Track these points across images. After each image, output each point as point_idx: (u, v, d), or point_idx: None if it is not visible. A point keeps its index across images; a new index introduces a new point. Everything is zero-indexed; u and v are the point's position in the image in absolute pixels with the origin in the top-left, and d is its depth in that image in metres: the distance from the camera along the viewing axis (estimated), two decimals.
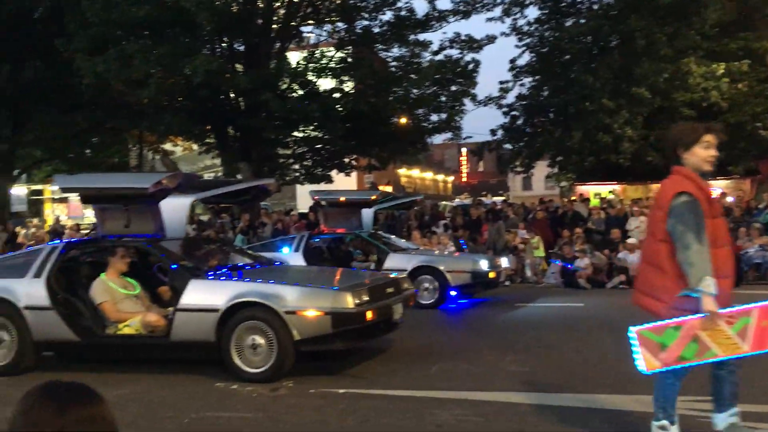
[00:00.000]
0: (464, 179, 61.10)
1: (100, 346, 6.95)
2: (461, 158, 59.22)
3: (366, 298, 6.33)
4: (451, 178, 67.60)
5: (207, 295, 6.45)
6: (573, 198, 20.00)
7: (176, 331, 6.44)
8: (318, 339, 6.20)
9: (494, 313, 10.48)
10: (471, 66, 19.75)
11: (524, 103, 23.08)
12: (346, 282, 6.97)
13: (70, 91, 19.52)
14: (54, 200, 27.61)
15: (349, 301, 6.16)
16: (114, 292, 6.87)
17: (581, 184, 22.48)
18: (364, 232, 12.01)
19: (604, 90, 19.98)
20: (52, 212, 27.23)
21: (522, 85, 23.27)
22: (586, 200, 18.26)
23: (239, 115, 18.62)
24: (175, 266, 6.85)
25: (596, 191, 21.36)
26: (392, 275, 8.27)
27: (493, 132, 23.69)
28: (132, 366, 6.93)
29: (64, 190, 7.24)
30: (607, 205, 16.78)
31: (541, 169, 28.26)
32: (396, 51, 20.67)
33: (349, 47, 20.09)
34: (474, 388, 5.73)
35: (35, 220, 25.90)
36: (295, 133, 19.90)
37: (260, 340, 6.17)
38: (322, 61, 18.95)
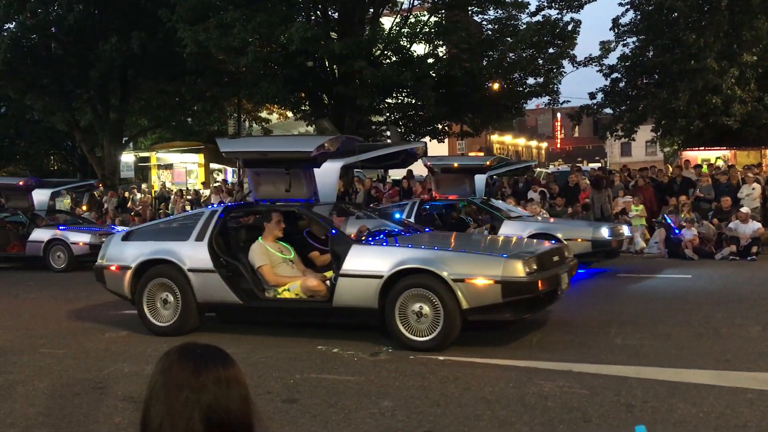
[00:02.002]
0: (558, 145, 59.44)
1: (261, 309, 6.98)
2: (556, 123, 57.56)
3: (535, 266, 6.06)
4: (544, 144, 65.83)
5: (370, 261, 6.36)
6: (677, 165, 19.06)
7: (339, 297, 6.38)
8: (487, 308, 5.99)
9: (597, 284, 10.18)
10: (571, 26, 19.00)
11: (627, 64, 22.06)
12: (511, 249, 6.69)
13: (174, 61, 20.24)
14: (159, 167, 28.89)
15: (521, 270, 5.91)
16: (272, 256, 6.90)
17: (687, 150, 21.37)
18: (477, 199, 11.72)
19: (712, 50, 18.78)
20: (158, 179, 28.50)
21: (625, 45, 22.26)
22: (698, 167, 17.33)
23: (333, 82, 18.76)
24: (335, 231, 6.76)
25: (704, 156, 20.25)
26: (551, 242, 7.83)
27: (592, 95, 22.85)
28: (237, 327, 7.19)
29: (227, 154, 7.32)
30: (717, 172, 15.84)
31: (643, 135, 27.05)
32: (492, 13, 20.16)
33: (443, 11, 19.74)
34: (578, 360, 5.59)
35: (143, 186, 27.20)
36: (388, 100, 19.88)
37: (426, 308, 6.02)
38: (416, 27, 18.73)
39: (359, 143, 8.17)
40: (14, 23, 21.87)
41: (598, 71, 21.98)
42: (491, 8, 19.95)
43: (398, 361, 5.81)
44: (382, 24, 19.54)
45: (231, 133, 30.05)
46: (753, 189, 14.08)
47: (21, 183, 15.12)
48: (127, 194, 22.23)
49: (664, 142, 26.00)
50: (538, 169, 32.41)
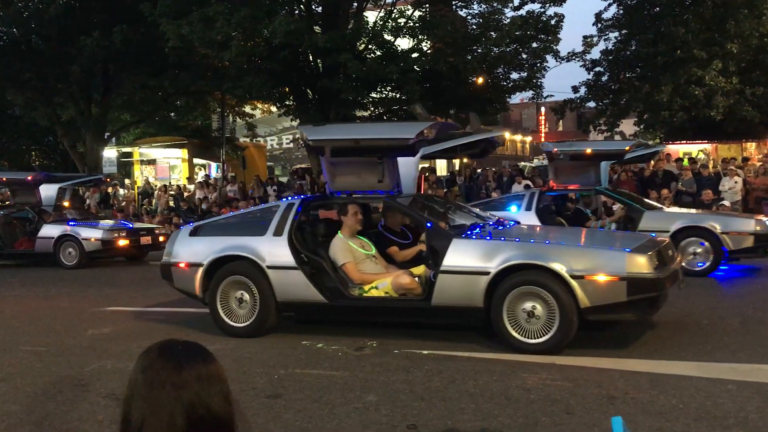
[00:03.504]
0: (543, 139, 59.64)
1: (347, 309, 6.54)
2: (540, 117, 57.75)
3: (657, 262, 5.64)
4: (529, 138, 66.08)
5: (474, 256, 5.88)
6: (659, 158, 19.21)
7: (438, 295, 5.94)
8: (609, 308, 5.56)
9: None
10: (554, 21, 19.07)
11: (610, 58, 22.19)
12: (629, 243, 6.14)
13: (156, 55, 20.09)
14: (142, 162, 28.70)
15: (646, 265, 5.49)
16: (354, 252, 6.56)
17: (670, 143, 21.56)
18: (604, 188, 10.82)
19: (696, 41, 18.95)
20: (140, 174, 28.33)
21: (607, 39, 22.38)
22: (678, 160, 17.47)
23: (318, 76, 18.70)
24: (431, 225, 6.30)
25: (686, 150, 20.42)
26: (651, 236, 7.20)
27: (575, 89, 22.96)
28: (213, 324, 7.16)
29: (315, 141, 6.66)
30: (698, 165, 15.98)
31: (626, 128, 27.25)
32: (476, 8, 20.19)
33: (427, 5, 19.73)
34: (561, 353, 5.63)
35: (126, 181, 27.00)
36: (373, 95, 19.85)
37: (538, 307, 5.60)
38: (400, 21, 18.71)
39: (454, 130, 7.52)
40: None
41: (581, 66, 22.11)
42: (475, 2, 19.99)
43: (383, 355, 5.82)
44: (366, 18, 19.49)
45: (215, 128, 29.89)
46: (735, 182, 14.23)
47: (30, 178, 14.74)
48: (110, 190, 22.06)
49: (647, 136, 26.19)
50: (523, 163, 32.51)
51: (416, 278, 6.30)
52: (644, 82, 21.15)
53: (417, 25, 18.72)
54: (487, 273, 5.74)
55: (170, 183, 25.26)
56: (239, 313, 6.67)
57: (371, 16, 19.94)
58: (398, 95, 19.67)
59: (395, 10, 19.12)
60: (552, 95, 23.39)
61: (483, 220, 6.95)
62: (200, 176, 27.28)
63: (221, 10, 16.76)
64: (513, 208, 10.47)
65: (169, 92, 24.06)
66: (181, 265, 7.02)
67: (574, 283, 5.47)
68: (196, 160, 29.23)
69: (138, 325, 7.58)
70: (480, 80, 20.50)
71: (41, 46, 21.62)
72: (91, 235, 13.45)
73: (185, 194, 21.92)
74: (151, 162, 28.69)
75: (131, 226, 14.82)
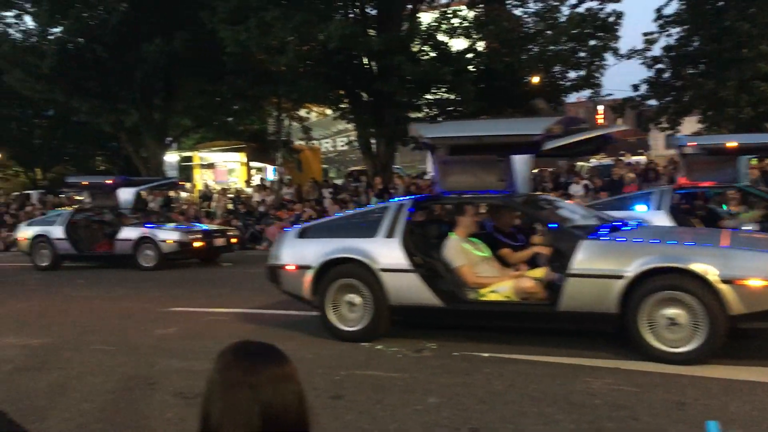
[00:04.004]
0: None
1: (464, 313, 6.32)
2: (597, 116, 56.62)
3: None
4: None
5: (607, 258, 5.56)
6: None
7: (567, 300, 5.64)
8: (765, 315, 5.14)
9: None
10: (612, 18, 18.68)
11: (672, 54, 21.58)
12: None
13: (215, 61, 20.54)
14: (202, 166, 29.39)
15: None
16: (469, 254, 6.33)
17: None
18: (744, 185, 10.01)
19: (763, 36, 18.26)
20: (200, 177, 29.00)
21: (669, 35, 21.77)
22: None
23: (372, 79, 18.80)
24: (557, 225, 6.12)
25: None
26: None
27: (635, 87, 22.41)
28: (280, 325, 7.27)
29: (432, 139, 6.41)
30: None
31: (688, 126, 26.42)
32: (531, 6, 19.95)
33: (481, 5, 19.61)
34: (625, 357, 5.50)
35: (187, 185, 27.64)
36: (427, 96, 19.84)
37: (681, 314, 5.22)
38: (454, 21, 18.65)
39: (582, 125, 7.04)
40: (60, 28, 22.46)
41: (641, 63, 21.57)
42: (531, 1, 19.77)
43: (442, 357, 5.81)
44: (420, 19, 19.49)
45: (271, 132, 30.37)
46: None
47: (110, 182, 15.17)
48: (172, 193, 22.65)
49: (711, 133, 25.37)
50: (580, 163, 31.86)
51: (536, 282, 6.03)
52: (708, 79, 20.49)
53: (471, 25, 18.60)
54: (622, 277, 5.39)
55: (229, 186, 25.76)
56: (350, 317, 6.54)
57: (425, 17, 19.94)
58: (453, 96, 19.60)
59: (449, 11, 19.06)
60: (611, 94, 22.90)
61: (605, 221, 6.55)
62: (256, 179, 27.75)
63: (278, 15, 17.01)
64: (641, 207, 9.86)
65: (226, 97, 24.56)
66: (290, 267, 6.91)
67: (724, 287, 5.08)
68: (253, 164, 29.76)
69: (202, 325, 7.76)
70: (536, 79, 20.24)
71: (104, 54, 22.38)
72: (168, 237, 13.71)
73: (243, 197, 22.35)
74: (210, 166, 29.37)
75: (206, 228, 15.10)
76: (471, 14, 19.03)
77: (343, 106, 21.48)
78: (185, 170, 30.21)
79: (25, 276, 13.82)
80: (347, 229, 7.10)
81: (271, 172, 29.24)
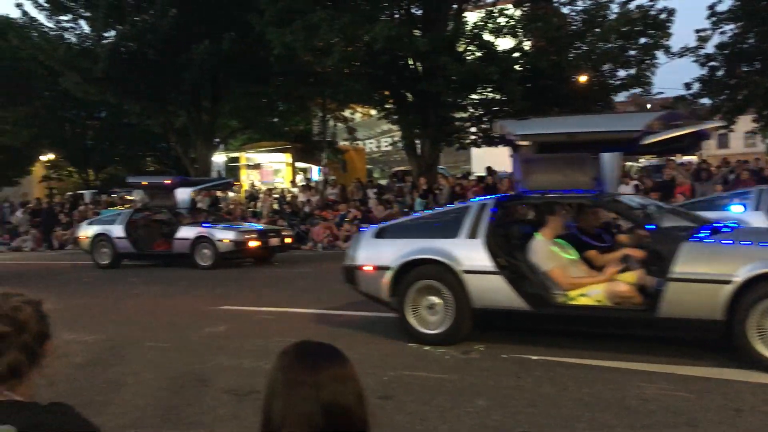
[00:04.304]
0: None
1: (552, 317, 6.05)
2: None
3: None
4: None
5: (711, 262, 5.30)
6: None
7: (667, 305, 5.35)
8: None
9: None
10: (664, 15, 18.28)
11: (725, 52, 21.01)
12: None
13: (261, 63, 20.81)
14: (248, 167, 29.80)
15: None
16: (558, 256, 6.13)
17: None
18: None
19: None
20: (247, 178, 29.41)
21: (722, 33, 21.19)
22: None
23: (417, 79, 18.78)
24: (654, 227, 5.85)
25: None
26: None
27: (687, 85, 21.89)
28: (326, 324, 7.30)
29: (521, 136, 6.19)
30: None
31: (742, 125, 25.68)
32: (580, 4, 19.65)
33: (528, 3, 19.40)
34: (680, 362, 5.37)
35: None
36: (473, 96, 19.73)
37: None
38: (500, 20, 18.49)
39: (683, 121, 6.56)
40: (113, 32, 23.06)
41: (693, 61, 21.07)
42: None
43: (491, 359, 5.77)
44: (466, 19, 19.40)
45: (315, 132, 30.64)
46: None
47: (169, 182, 15.43)
48: (219, 193, 23.01)
49: (767, 132, 24.60)
50: (629, 163, 31.24)
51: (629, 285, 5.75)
52: (764, 77, 19.89)
53: (518, 24, 18.41)
54: (730, 282, 5.07)
55: (274, 186, 26.06)
56: (430, 319, 6.34)
57: (470, 17, 19.83)
58: (498, 96, 19.45)
59: (495, 10, 18.91)
60: (662, 92, 22.43)
61: (704, 222, 6.23)
62: (299, 179, 28.01)
63: (324, 17, 17.13)
64: (737, 208, 9.42)
65: (272, 98, 24.85)
66: (367, 268, 6.72)
67: None
68: (298, 164, 30.05)
69: (250, 323, 7.85)
70: (583, 78, 19.94)
71: (155, 57, 22.89)
72: (225, 236, 13.78)
73: (288, 197, 22.58)
74: (257, 166, 29.75)
75: (261, 227, 15.18)
76: (518, 13, 18.83)
77: (387, 106, 21.52)
78: (232, 171, 30.69)
79: (80, 273, 14.23)
80: (426, 230, 6.91)
81: (315, 173, 29.48)
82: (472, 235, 6.26)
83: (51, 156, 39.69)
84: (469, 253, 6.18)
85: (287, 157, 29.72)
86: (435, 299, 6.32)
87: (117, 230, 14.83)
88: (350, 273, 6.93)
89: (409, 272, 6.41)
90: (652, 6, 18.58)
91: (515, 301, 5.99)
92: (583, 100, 20.02)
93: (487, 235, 6.20)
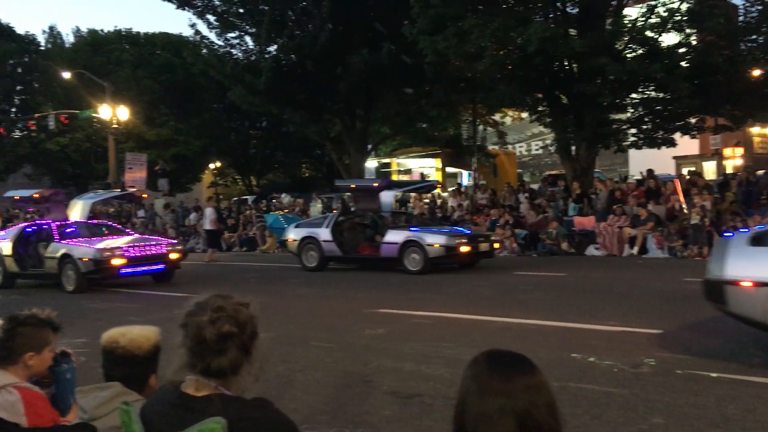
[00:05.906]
0: None
1: None
2: None
3: None
4: None
5: None
6: None
7: None
8: None
9: None
10: None
11: None
12: None
13: (413, 71, 21.16)
14: (399, 172, 30.37)
15: None
16: None
17: None
18: None
19: None
20: None
21: None
22: None
23: (573, 81, 18.19)
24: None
25: None
26: None
27: None
28: (481, 333, 7.22)
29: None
30: None
31: None
32: None
33: None
34: None
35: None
36: (633, 96, 18.79)
37: None
38: (664, 14, 17.45)
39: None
40: (275, 46, 24.48)
41: None
42: None
43: (663, 375, 5.43)
44: (626, 15, 18.50)
45: (465, 136, 30.61)
46: None
47: (376, 185, 15.29)
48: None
49: None
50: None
51: None
52: None
53: (684, 18, 17.26)
54: None
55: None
56: None
57: (630, 12, 18.90)
58: (661, 95, 18.36)
59: (658, 3, 17.88)
60: None
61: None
62: (437, 191, 28.06)
63: (475, 23, 17.05)
64: None
65: (422, 105, 25.17)
66: (745, 284, 5.35)
67: None
68: (448, 169, 30.17)
69: (408, 327, 7.96)
70: (757, 72, 18.31)
71: (313, 68, 23.99)
72: (435, 241, 13.36)
73: (439, 202, 22.70)
74: (407, 171, 30.22)
75: (469, 232, 14.77)
76: (684, 6, 17.67)
77: (540, 109, 21.02)
78: (383, 176, 31.41)
79: (245, 274, 15.14)
80: None
81: (465, 177, 29.43)
82: None
83: (218, 164, 42.83)
84: None
85: (437, 162, 29.93)
86: None
87: (324, 233, 14.78)
88: (715, 289, 5.61)
89: None
90: None
91: None
92: (756, 97, 18.39)
93: None
